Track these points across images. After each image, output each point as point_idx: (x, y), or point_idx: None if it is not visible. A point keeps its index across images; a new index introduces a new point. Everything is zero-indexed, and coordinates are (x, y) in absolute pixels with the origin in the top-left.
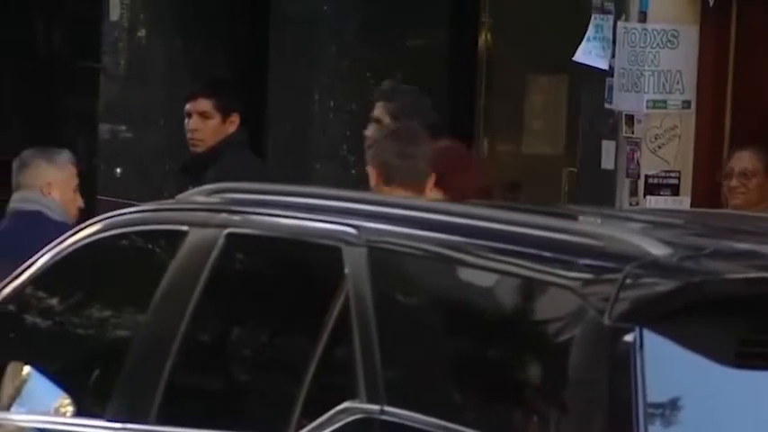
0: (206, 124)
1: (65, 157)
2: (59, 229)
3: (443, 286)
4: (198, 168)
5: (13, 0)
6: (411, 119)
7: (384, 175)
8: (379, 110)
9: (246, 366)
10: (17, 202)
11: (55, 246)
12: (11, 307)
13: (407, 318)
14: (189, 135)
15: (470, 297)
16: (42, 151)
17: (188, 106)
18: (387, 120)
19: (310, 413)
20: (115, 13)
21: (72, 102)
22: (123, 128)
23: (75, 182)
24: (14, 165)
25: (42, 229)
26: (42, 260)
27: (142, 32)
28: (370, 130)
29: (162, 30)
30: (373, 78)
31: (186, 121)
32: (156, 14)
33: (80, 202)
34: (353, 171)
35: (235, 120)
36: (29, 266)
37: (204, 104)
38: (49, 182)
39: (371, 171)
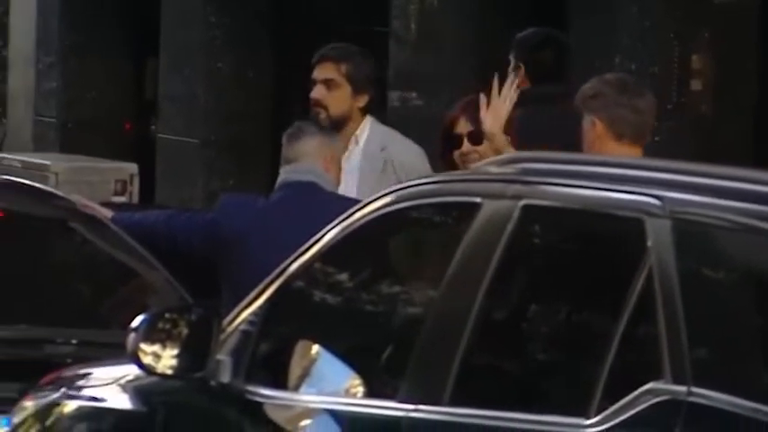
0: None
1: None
2: (338, 201)
3: (754, 260)
4: None
5: None
6: (360, 75)
7: (616, 130)
8: (327, 70)
9: (544, 346)
10: (290, 173)
11: (343, 219)
12: (299, 283)
13: (716, 294)
14: None
15: None
16: (321, 128)
17: None
18: (339, 79)
19: (612, 394)
20: None
21: None
22: (413, 95)
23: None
24: (288, 135)
25: (318, 199)
26: (330, 234)
27: None
28: (318, 92)
29: None
30: (677, 39)
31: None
32: None
33: None
34: (656, 138)
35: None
36: (316, 241)
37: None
38: (332, 156)
39: (597, 123)
